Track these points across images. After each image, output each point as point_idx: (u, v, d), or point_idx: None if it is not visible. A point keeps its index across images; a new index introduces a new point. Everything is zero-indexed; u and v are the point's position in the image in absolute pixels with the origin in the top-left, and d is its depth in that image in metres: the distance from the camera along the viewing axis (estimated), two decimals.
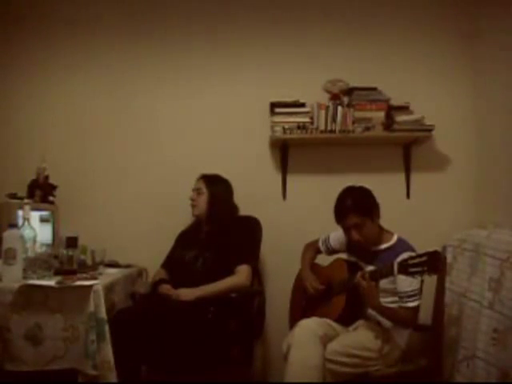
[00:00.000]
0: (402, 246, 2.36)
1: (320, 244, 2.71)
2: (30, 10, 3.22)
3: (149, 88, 3.21)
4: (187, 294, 2.50)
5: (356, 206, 2.34)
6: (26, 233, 2.33)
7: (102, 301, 2.16)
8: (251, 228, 2.80)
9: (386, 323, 2.34)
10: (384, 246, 2.41)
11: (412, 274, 2.09)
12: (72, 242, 2.60)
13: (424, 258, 2.04)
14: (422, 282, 2.28)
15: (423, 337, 2.43)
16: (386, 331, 2.32)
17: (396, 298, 2.30)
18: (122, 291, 2.59)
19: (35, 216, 2.62)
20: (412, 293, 2.24)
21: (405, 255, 2.20)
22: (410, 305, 2.24)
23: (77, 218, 3.03)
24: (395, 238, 2.43)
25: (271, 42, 3.22)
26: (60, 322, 2.16)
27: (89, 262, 2.70)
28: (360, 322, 2.41)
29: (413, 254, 2.22)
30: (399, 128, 2.98)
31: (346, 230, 2.42)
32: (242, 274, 2.57)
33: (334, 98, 3.07)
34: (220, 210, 2.76)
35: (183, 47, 3.22)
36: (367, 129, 2.99)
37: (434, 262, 2.03)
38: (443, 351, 2.49)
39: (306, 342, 2.20)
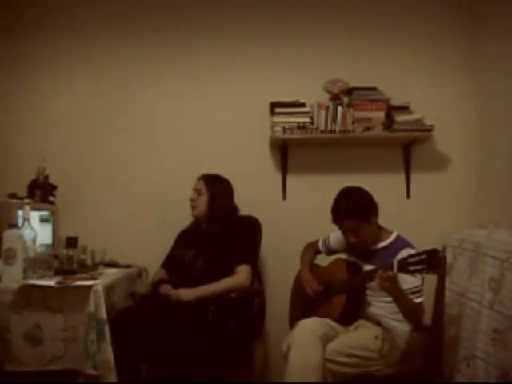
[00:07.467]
0: (401, 243, 2.37)
1: (320, 244, 2.71)
2: (31, 11, 3.22)
3: (149, 88, 3.22)
4: (187, 293, 2.50)
5: (352, 211, 2.33)
6: (26, 233, 2.33)
7: (102, 301, 2.16)
8: (251, 228, 2.79)
9: (388, 323, 2.34)
10: (382, 244, 2.41)
11: (411, 273, 2.08)
12: (72, 242, 2.60)
13: (423, 257, 2.03)
14: (423, 280, 2.27)
15: (423, 337, 2.42)
16: (386, 331, 2.31)
17: None
18: (122, 291, 2.59)
19: (35, 216, 2.62)
20: (416, 289, 2.23)
21: (404, 253, 2.21)
22: (417, 300, 2.23)
23: (77, 218, 3.03)
24: (394, 235, 2.43)
25: (271, 42, 3.22)
26: (60, 322, 2.16)
27: (89, 262, 2.70)
28: (360, 322, 2.40)
29: (412, 251, 2.21)
30: (399, 128, 2.98)
31: (343, 233, 2.43)
32: (241, 274, 2.57)
33: (334, 98, 3.07)
34: (220, 209, 2.76)
35: (183, 47, 3.23)
36: (367, 129, 2.99)
37: (434, 260, 2.02)
38: (443, 351, 2.49)
39: (305, 342, 2.19)
